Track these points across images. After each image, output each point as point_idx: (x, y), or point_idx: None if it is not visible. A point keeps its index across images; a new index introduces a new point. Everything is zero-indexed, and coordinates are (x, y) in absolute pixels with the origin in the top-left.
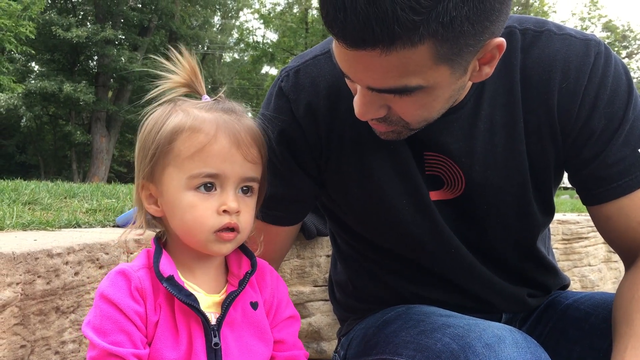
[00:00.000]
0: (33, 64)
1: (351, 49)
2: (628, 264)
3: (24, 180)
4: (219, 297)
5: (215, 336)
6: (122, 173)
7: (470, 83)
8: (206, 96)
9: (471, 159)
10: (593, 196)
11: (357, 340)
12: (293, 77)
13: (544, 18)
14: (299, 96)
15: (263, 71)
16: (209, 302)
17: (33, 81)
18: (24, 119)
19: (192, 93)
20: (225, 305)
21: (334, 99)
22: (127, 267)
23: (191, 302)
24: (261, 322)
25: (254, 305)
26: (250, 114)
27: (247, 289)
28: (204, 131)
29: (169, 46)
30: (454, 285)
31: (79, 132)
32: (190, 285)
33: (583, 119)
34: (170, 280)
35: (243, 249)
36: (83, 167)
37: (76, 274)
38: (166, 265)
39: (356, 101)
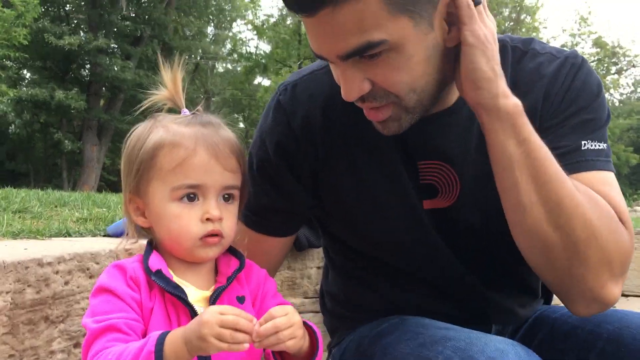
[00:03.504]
0: (25, 71)
1: (308, 16)
2: None
3: (14, 188)
4: (208, 293)
5: None
6: (112, 182)
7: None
8: (185, 110)
9: (465, 163)
10: None
11: (351, 352)
12: (291, 91)
13: (530, 37)
14: (296, 109)
15: (256, 82)
16: (198, 296)
17: (25, 88)
18: (13, 126)
19: (174, 107)
20: (213, 299)
21: (330, 111)
22: (122, 261)
23: (179, 294)
24: None
25: (240, 300)
26: (242, 124)
27: (234, 285)
28: (184, 145)
29: (161, 57)
30: (446, 294)
31: (69, 141)
32: (180, 281)
33: (556, 118)
34: (158, 273)
35: (232, 251)
36: (73, 176)
37: (66, 283)
38: (155, 261)
39: (341, 86)
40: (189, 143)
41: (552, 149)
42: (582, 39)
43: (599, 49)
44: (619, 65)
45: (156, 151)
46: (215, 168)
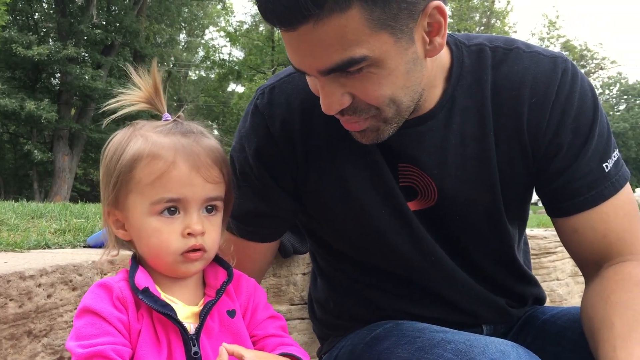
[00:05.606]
0: None
1: (289, 30)
2: (590, 274)
3: None
4: (197, 308)
5: (194, 345)
6: (85, 192)
7: (436, 67)
8: (167, 115)
9: (442, 171)
10: (560, 209)
11: (344, 358)
12: (268, 94)
13: (513, 37)
14: (274, 113)
15: (229, 89)
16: (187, 312)
17: None
18: None
19: (153, 110)
20: (203, 315)
21: (308, 113)
22: (107, 279)
23: (167, 312)
24: (239, 330)
25: (231, 314)
26: (216, 132)
27: (224, 298)
28: (163, 157)
29: (134, 63)
30: (435, 295)
31: (40, 151)
32: (167, 298)
33: (551, 133)
34: (146, 292)
35: (218, 261)
36: (44, 186)
37: (49, 296)
38: (141, 279)
39: (321, 100)
40: (168, 154)
41: (578, 178)
42: (551, 43)
43: (567, 52)
44: (587, 68)
45: (134, 163)
46: (196, 180)
